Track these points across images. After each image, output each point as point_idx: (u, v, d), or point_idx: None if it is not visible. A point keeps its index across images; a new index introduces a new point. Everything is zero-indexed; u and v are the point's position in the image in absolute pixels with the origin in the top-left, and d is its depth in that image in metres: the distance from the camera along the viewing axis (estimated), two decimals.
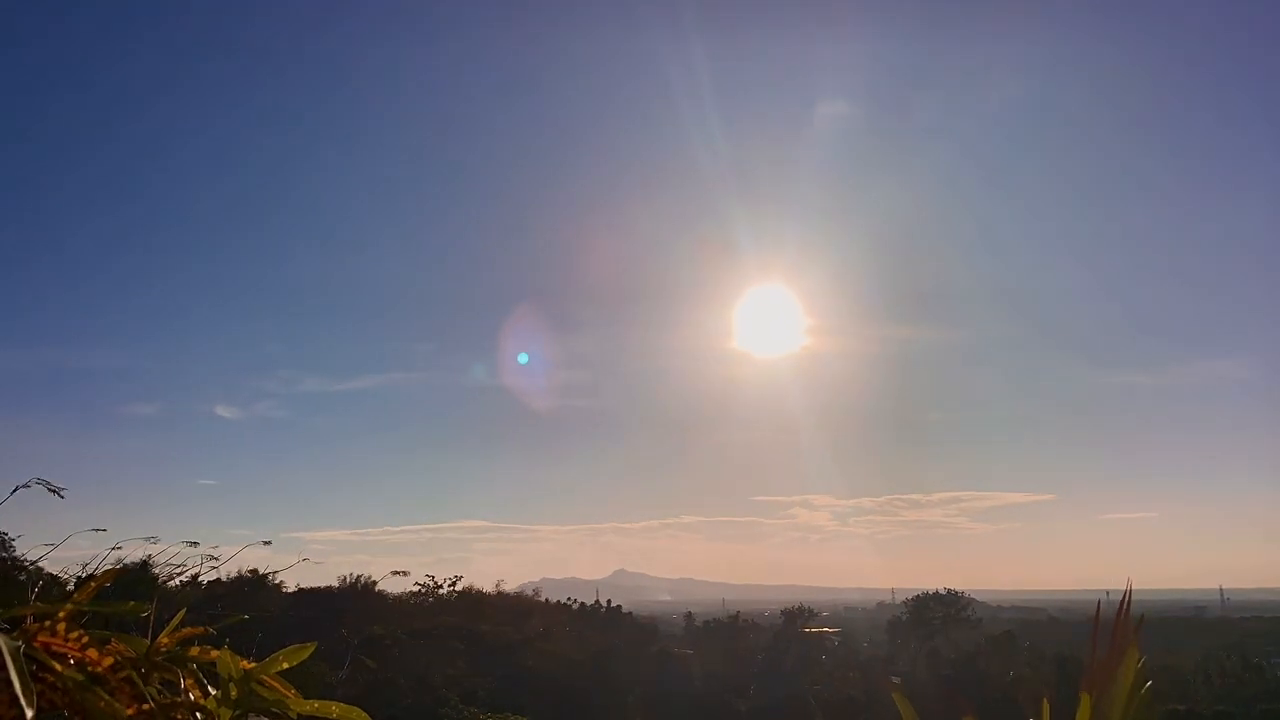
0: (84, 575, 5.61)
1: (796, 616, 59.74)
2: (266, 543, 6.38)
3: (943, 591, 62.86)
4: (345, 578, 46.24)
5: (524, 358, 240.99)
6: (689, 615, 63.92)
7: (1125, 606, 1.51)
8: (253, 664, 1.26)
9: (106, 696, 1.06)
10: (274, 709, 1.24)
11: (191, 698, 1.21)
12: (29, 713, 0.92)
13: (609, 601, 59.13)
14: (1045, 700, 1.50)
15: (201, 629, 1.25)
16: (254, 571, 28.75)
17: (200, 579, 8.24)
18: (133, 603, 1.20)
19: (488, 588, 56.83)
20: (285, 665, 1.29)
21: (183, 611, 1.31)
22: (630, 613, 59.72)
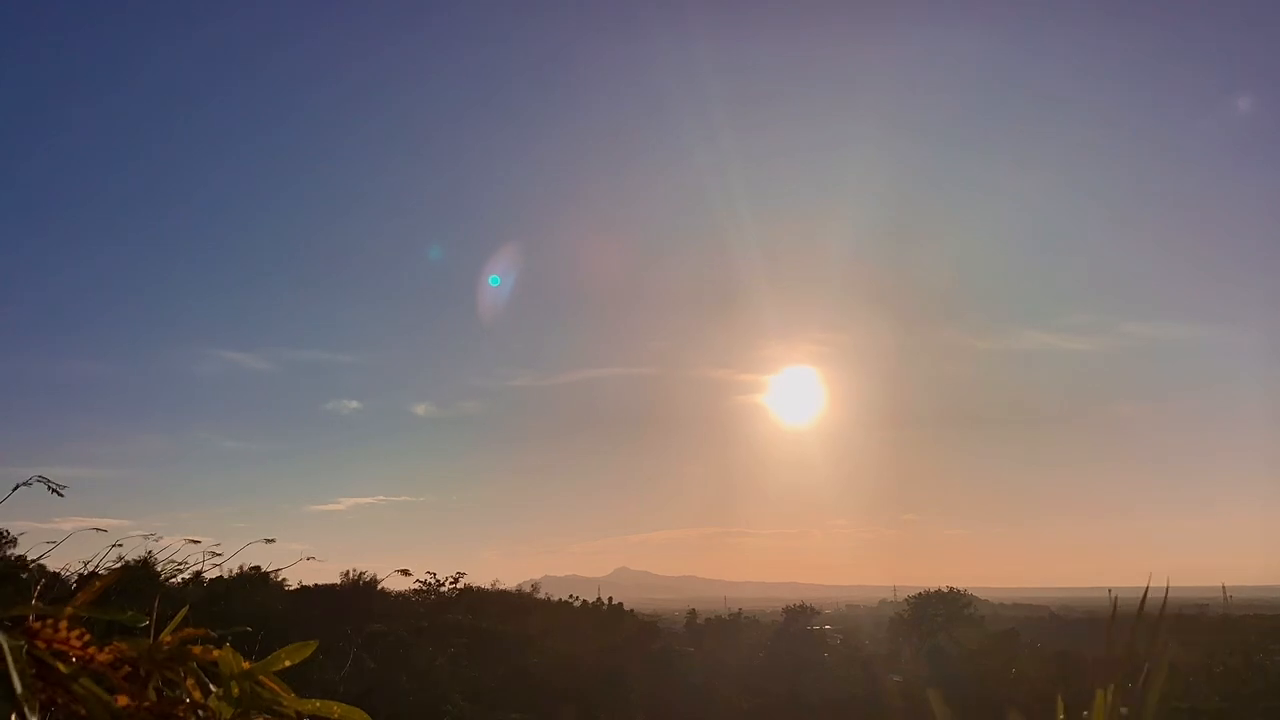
0: (86, 574, 5.60)
1: (798, 614, 59.72)
2: (270, 540, 6.37)
3: (944, 589, 62.78)
4: (348, 575, 46.15)
5: (495, 285, 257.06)
6: (691, 613, 63.90)
7: (1163, 605, 1.51)
8: (254, 663, 1.25)
9: (105, 695, 1.05)
10: (274, 707, 1.23)
11: (193, 696, 1.20)
12: (24, 707, 0.92)
13: (610, 599, 59.07)
14: (1059, 698, 1.50)
15: (202, 630, 1.24)
16: (257, 568, 28.78)
17: (203, 576, 8.22)
18: (131, 612, 1.20)
19: (489, 585, 56.71)
20: (287, 663, 1.28)
21: (185, 610, 1.31)
22: (632, 610, 59.65)
